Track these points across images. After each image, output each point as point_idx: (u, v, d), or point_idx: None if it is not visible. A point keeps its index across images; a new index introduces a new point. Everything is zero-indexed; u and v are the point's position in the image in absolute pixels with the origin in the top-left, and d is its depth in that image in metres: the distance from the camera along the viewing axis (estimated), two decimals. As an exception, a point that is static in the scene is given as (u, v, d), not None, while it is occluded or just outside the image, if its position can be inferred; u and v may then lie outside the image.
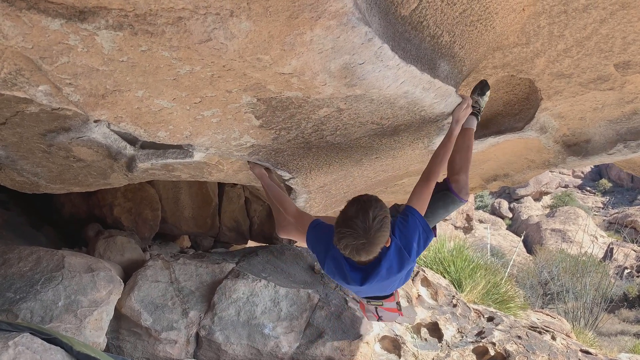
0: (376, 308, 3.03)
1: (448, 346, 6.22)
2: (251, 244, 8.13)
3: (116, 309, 5.24)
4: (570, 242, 31.70)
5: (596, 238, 32.42)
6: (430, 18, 1.95)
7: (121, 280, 5.29)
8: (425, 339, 6.33)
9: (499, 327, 6.72)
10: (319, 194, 3.42)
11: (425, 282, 7.22)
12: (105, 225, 6.88)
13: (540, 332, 6.71)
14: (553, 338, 6.64)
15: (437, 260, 9.89)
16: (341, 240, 2.43)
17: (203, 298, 5.79)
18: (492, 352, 6.21)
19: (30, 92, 1.78)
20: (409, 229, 2.69)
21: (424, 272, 7.39)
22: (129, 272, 5.93)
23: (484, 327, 6.65)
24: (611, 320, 25.15)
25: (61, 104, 1.79)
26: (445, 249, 10.22)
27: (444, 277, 9.28)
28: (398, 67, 1.89)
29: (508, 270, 14.75)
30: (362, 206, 2.42)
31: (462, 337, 6.47)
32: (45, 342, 3.26)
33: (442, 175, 3.12)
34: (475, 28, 2.19)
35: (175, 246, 7.66)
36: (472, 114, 3.03)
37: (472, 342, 6.35)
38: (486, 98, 2.93)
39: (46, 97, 1.74)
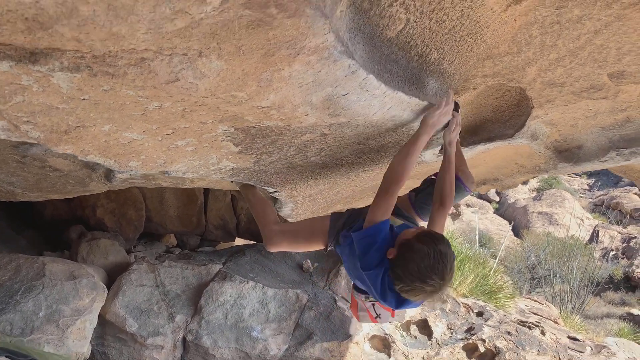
0: (374, 305, 2.91)
1: (438, 344, 6.18)
2: (239, 241, 8.00)
3: (100, 315, 5.12)
4: (557, 225, 31.99)
5: (582, 220, 32.72)
6: (417, 37, 1.84)
7: (104, 287, 5.16)
8: (415, 337, 6.28)
9: (489, 322, 6.69)
10: (306, 203, 3.33)
11: (415, 278, 7.15)
12: (88, 226, 6.71)
13: (529, 327, 6.71)
14: (542, 333, 6.63)
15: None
16: (414, 292, 2.27)
17: (189, 301, 5.68)
18: (482, 349, 6.19)
19: (-14, 126, 1.65)
20: None
21: (413, 268, 7.33)
22: (113, 276, 5.79)
23: (473, 323, 6.62)
24: (597, 303, 25.44)
25: (21, 139, 1.67)
26: (433, 241, 10.16)
27: (433, 269, 9.25)
28: (384, 95, 1.78)
29: (497, 260, 14.79)
30: (440, 257, 2.20)
31: (452, 333, 6.43)
32: (22, 365, 3.14)
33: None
34: (465, 42, 2.09)
35: (160, 245, 7.52)
36: None
37: (461, 338, 6.32)
38: (459, 116, 2.88)
39: (4, 132, 1.61)
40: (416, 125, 2.38)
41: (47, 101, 1.42)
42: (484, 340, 6.24)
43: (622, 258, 30.60)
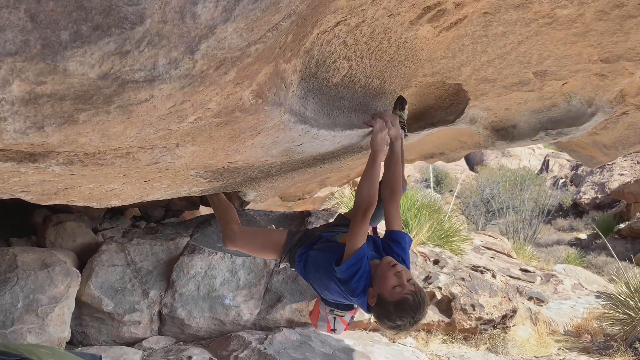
0: (335, 318, 3.21)
1: (399, 295, 6.62)
2: (203, 209, 8.14)
3: (76, 297, 5.27)
4: (510, 156, 33.10)
5: (534, 150, 33.90)
6: (360, 74, 2.05)
7: (77, 271, 5.30)
8: (378, 290, 6.69)
9: (444, 270, 7.18)
10: (268, 190, 3.57)
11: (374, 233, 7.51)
12: (52, 208, 6.75)
13: (481, 272, 7.24)
14: (493, 276, 7.18)
15: (384, 204, 10.12)
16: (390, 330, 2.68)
17: (161, 276, 5.89)
18: (439, 296, 6.69)
19: (-15, 190, 1.81)
20: (407, 252, 2.99)
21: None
22: (84, 258, 5.93)
23: (430, 272, 7.09)
24: (548, 231, 26.63)
25: (14, 196, 1.84)
26: (391, 192, 10.46)
27: (392, 220, 9.62)
28: (334, 137, 2.00)
29: (454, 197, 15.38)
30: (413, 316, 2.57)
31: (411, 284, 6.87)
32: (14, 365, 3.31)
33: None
34: (404, 65, 2.30)
35: (126, 220, 7.64)
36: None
37: (420, 288, 6.78)
38: (406, 111, 3.10)
39: (1, 194, 1.78)
40: (365, 141, 2.62)
41: (40, 178, 1.59)
42: (440, 288, 6.74)
43: (571, 185, 31.97)
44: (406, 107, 3.08)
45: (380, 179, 2.76)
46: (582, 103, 3.50)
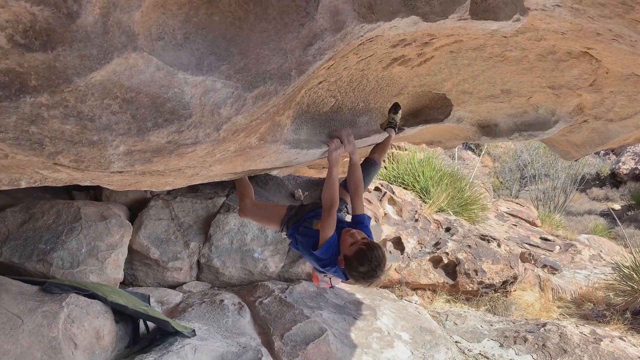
0: (330, 279, 4.03)
1: (409, 257, 7.35)
2: (238, 171, 8.86)
3: (128, 245, 6.16)
4: (551, 122, 32.62)
5: (577, 117, 33.29)
6: (346, 102, 2.71)
7: (129, 223, 6.16)
8: (390, 252, 7.44)
9: (454, 237, 7.84)
10: (285, 170, 4.30)
11: (392, 201, 8.22)
12: (107, 166, 7.60)
13: (488, 241, 7.86)
14: (498, 245, 7.80)
15: (408, 170, 10.67)
16: (360, 284, 3.41)
17: (200, 231, 6.74)
18: (445, 260, 7.38)
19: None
20: (366, 226, 3.64)
21: (392, 192, 8.33)
22: (134, 211, 6.79)
23: (440, 238, 7.77)
24: (581, 200, 26.36)
25: (102, 186, 2.65)
26: (415, 160, 11.01)
27: (414, 186, 10.19)
28: (315, 153, 2.70)
29: (476, 169, 15.74)
30: (373, 268, 3.20)
31: (422, 248, 7.59)
32: (86, 298, 4.19)
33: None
34: (385, 91, 2.94)
35: (171, 178, 8.47)
36: (390, 127, 3.92)
37: (429, 252, 7.49)
38: (399, 114, 3.78)
39: (95, 184, 2.59)
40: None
41: (121, 178, 2.37)
42: (447, 253, 7.42)
43: (612, 154, 31.43)
44: (399, 111, 3.74)
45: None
46: (547, 112, 4.06)
